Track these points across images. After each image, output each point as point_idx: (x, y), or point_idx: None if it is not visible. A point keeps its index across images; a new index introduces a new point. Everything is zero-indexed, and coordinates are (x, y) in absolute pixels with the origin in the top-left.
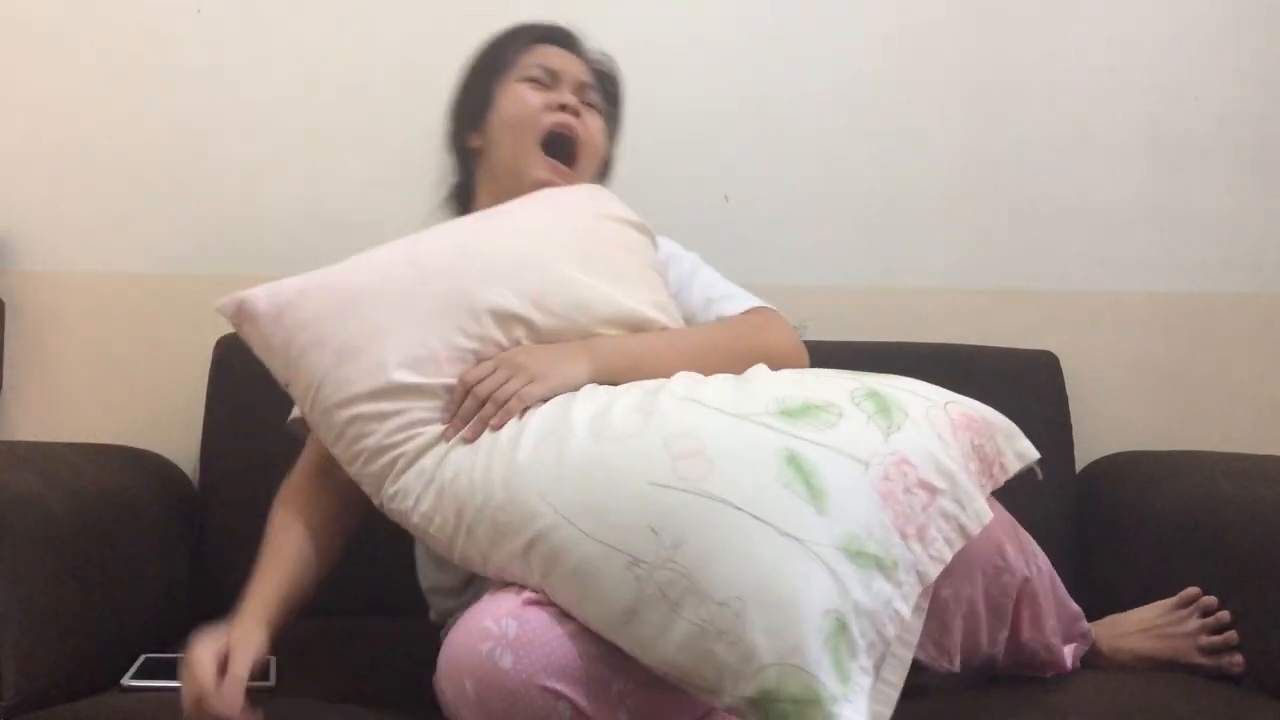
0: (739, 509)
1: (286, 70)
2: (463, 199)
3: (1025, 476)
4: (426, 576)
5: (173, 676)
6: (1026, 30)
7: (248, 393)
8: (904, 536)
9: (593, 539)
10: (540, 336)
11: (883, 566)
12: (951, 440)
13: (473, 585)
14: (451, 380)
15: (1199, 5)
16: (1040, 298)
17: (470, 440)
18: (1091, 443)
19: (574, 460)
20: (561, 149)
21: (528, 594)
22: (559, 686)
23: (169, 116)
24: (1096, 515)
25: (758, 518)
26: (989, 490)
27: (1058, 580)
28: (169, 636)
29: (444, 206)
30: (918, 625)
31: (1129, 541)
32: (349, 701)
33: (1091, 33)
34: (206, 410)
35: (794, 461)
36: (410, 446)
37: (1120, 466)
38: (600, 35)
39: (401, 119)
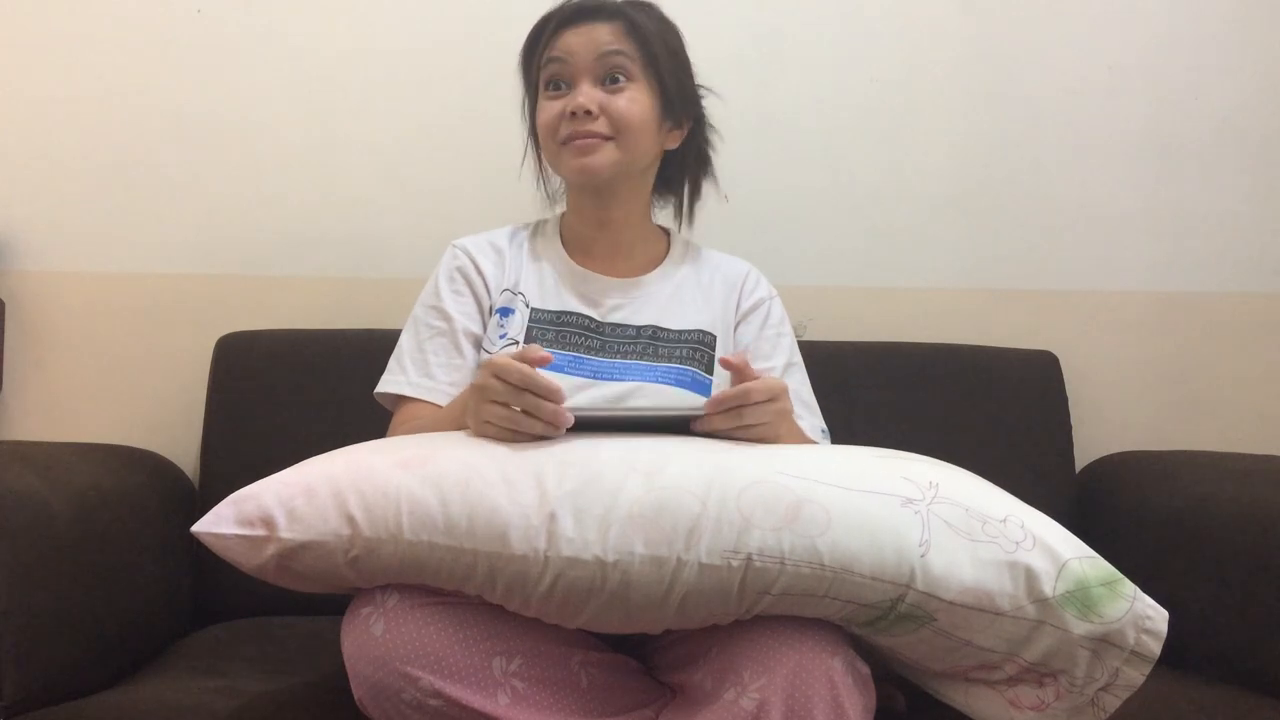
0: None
1: (286, 70)
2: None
3: (1020, 479)
4: None
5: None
6: (1026, 30)
7: (248, 393)
8: None
9: (856, 491)
10: None
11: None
12: None
13: None
14: None
15: (1199, 5)
16: (1040, 298)
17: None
18: (1091, 443)
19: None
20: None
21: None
22: (419, 667)
23: (169, 116)
24: (1096, 515)
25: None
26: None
27: None
28: (169, 636)
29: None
30: None
31: (1128, 541)
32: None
33: (1092, 32)
34: (206, 410)
35: None
36: None
37: (1120, 466)
38: None
39: (402, 118)
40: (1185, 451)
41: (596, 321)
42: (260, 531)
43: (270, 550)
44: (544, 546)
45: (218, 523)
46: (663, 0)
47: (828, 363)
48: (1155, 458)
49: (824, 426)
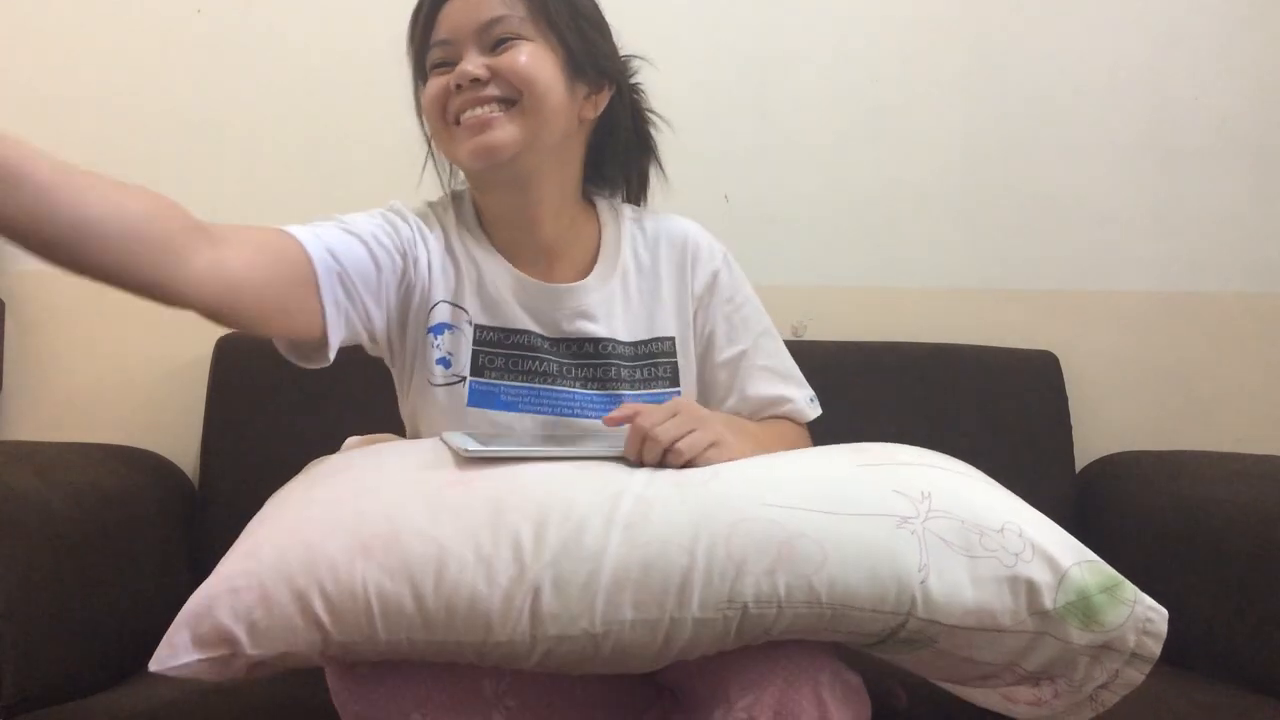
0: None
1: (286, 70)
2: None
3: (1020, 479)
4: None
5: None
6: (1026, 29)
7: (248, 393)
8: None
9: (848, 516)
10: None
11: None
12: None
13: None
14: None
15: (1199, 5)
16: (1040, 298)
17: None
18: (1091, 443)
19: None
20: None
21: None
22: (409, 702)
23: (168, 116)
24: (1096, 515)
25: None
26: None
27: None
28: None
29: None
30: None
31: (1128, 541)
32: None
33: (1092, 32)
34: (206, 410)
35: None
36: None
37: (1120, 466)
38: None
39: (401, 119)
40: (1185, 451)
41: (548, 340)
42: (223, 651)
43: (238, 664)
44: (528, 628)
45: (176, 654)
46: (662, 2)
47: (828, 363)
48: (1155, 458)
49: (811, 394)
